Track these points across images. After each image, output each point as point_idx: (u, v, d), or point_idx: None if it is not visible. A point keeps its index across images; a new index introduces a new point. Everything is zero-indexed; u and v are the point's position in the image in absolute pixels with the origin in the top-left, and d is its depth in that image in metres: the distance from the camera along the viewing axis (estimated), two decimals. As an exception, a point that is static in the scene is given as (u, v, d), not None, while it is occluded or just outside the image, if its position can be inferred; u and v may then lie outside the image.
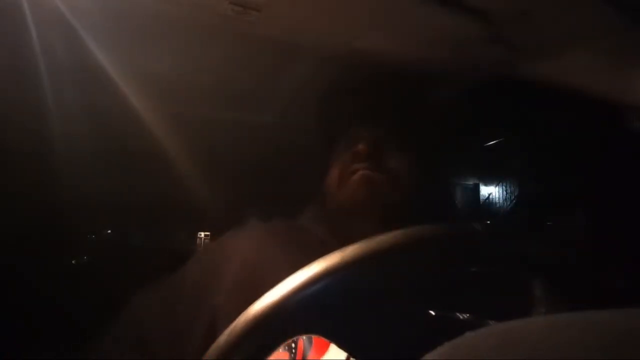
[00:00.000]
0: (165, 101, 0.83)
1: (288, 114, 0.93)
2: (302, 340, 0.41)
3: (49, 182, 0.99)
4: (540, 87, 0.70)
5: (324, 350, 0.45)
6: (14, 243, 1.02)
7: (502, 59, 0.67)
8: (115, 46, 0.65)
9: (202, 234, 1.37)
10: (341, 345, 0.40)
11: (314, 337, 0.41)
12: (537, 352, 0.23)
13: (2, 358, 0.89)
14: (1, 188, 0.95)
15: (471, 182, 1.22)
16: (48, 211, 1.11)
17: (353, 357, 0.39)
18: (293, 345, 0.50)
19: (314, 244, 0.70)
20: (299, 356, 0.50)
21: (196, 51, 0.71)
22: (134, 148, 0.95)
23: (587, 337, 0.23)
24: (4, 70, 0.69)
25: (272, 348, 0.37)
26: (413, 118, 0.73)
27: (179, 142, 0.91)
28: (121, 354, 0.63)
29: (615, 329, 0.23)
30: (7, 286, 0.92)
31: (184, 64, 0.74)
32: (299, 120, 0.96)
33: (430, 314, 0.42)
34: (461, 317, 0.44)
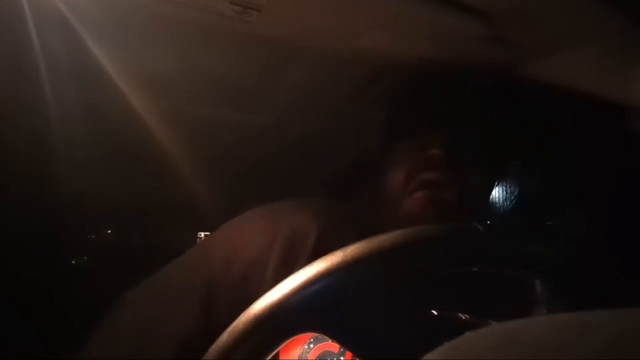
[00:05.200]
0: (164, 101, 0.83)
1: (289, 114, 0.93)
2: None
3: (49, 182, 1.00)
4: (540, 87, 0.70)
5: None
6: (13, 243, 1.02)
7: (502, 59, 0.67)
8: (114, 46, 0.65)
9: (202, 234, 1.38)
10: (343, 344, 0.40)
11: None
12: (537, 352, 0.23)
13: (2, 358, 0.89)
14: (1, 188, 0.95)
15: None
16: (48, 211, 1.11)
17: (355, 355, 0.40)
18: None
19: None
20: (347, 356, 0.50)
21: (196, 51, 0.71)
22: (134, 148, 0.95)
23: (587, 337, 0.23)
24: (4, 70, 0.69)
25: (273, 348, 0.37)
26: (476, 121, 0.69)
27: (179, 142, 0.91)
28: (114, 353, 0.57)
29: (615, 329, 0.23)
30: (7, 286, 0.93)
31: (184, 64, 0.74)
32: (299, 120, 0.96)
33: (431, 313, 0.42)
34: (461, 317, 0.44)
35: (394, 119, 0.75)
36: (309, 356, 0.52)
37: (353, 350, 0.39)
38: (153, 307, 0.60)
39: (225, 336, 0.37)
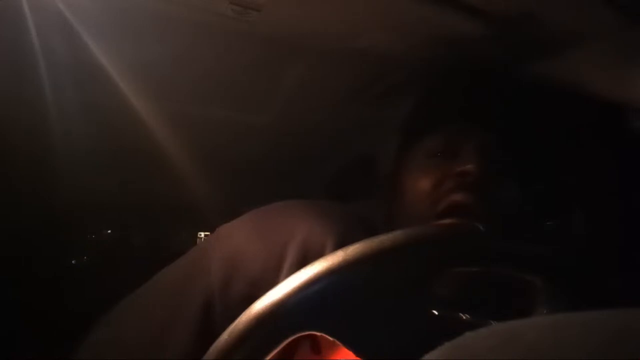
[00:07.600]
0: (164, 101, 0.83)
1: (288, 114, 0.93)
2: None
3: (49, 182, 1.00)
4: (540, 87, 0.70)
5: None
6: (14, 243, 1.02)
7: (501, 59, 0.67)
8: (114, 46, 0.65)
9: (202, 234, 1.38)
10: (344, 344, 0.40)
11: None
12: (537, 352, 0.23)
13: (2, 358, 0.89)
14: (1, 188, 0.95)
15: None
16: (48, 211, 1.11)
17: (356, 355, 0.40)
18: None
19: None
20: None
21: (196, 51, 0.71)
22: (134, 148, 0.95)
23: (587, 337, 0.23)
24: (4, 70, 0.69)
25: (273, 348, 0.37)
26: (514, 124, 0.60)
27: (179, 142, 0.91)
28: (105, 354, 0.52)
29: (616, 329, 0.23)
30: (7, 286, 0.93)
31: (184, 64, 0.74)
32: (299, 120, 0.96)
33: (431, 313, 0.42)
34: (461, 317, 0.44)
35: (419, 115, 0.65)
36: None
37: (353, 350, 0.39)
38: (142, 330, 0.52)
39: (226, 336, 0.37)
